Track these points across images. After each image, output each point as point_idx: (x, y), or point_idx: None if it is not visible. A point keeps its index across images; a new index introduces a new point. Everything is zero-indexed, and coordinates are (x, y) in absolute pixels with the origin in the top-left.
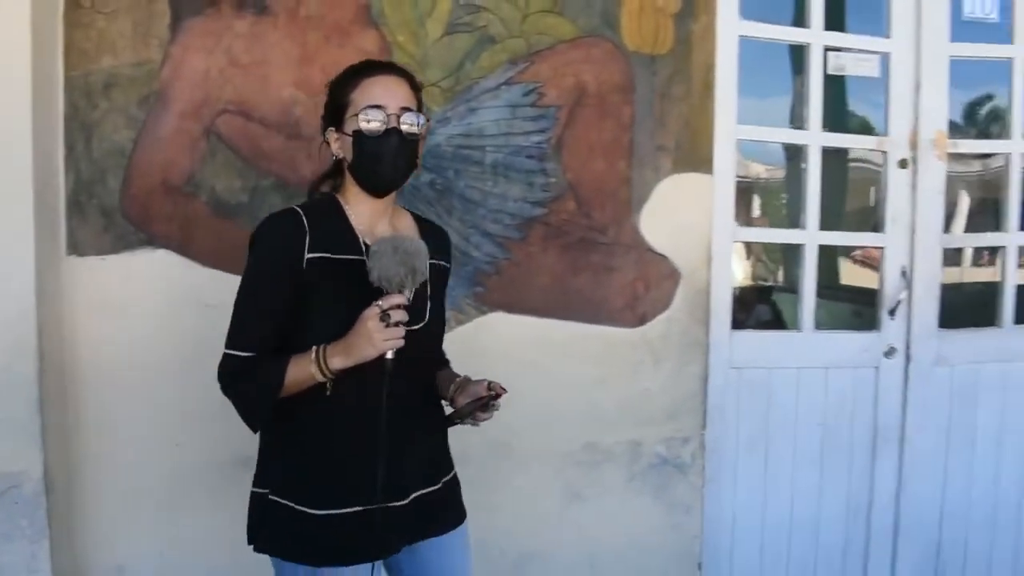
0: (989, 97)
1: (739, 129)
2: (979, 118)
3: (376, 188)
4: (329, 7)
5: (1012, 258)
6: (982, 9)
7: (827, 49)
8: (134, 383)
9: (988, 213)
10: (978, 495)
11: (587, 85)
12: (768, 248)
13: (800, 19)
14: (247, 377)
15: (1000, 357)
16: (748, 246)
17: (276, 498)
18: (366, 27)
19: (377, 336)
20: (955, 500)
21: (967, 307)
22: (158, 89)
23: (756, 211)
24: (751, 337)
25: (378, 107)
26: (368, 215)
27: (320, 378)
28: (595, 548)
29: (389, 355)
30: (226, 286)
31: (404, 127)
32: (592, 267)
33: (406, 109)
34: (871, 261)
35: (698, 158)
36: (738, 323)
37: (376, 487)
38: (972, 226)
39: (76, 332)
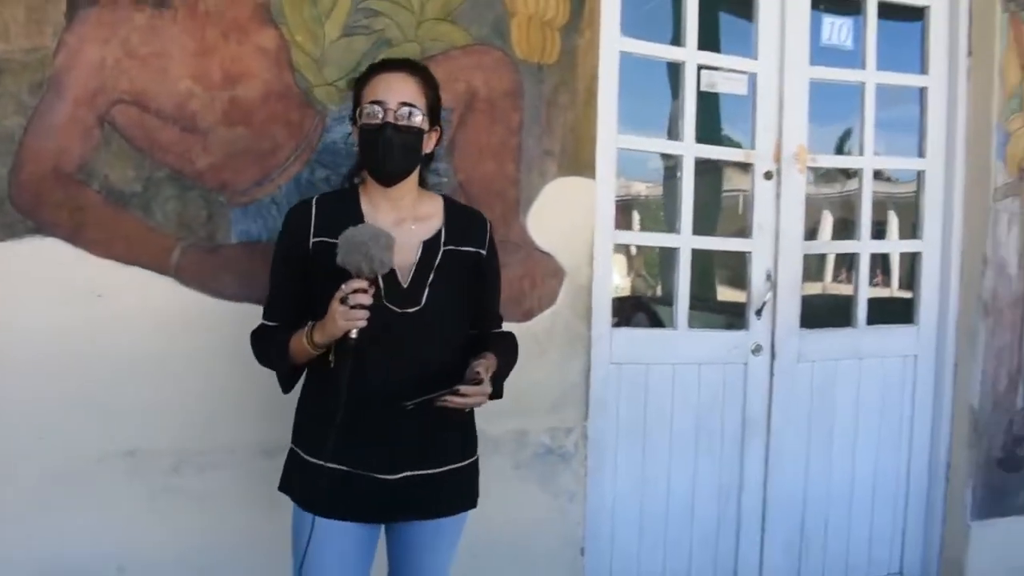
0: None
1: (619, 139)
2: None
3: (379, 177)
4: (228, 4)
5: (864, 264)
6: (838, 37)
7: (700, 67)
8: (19, 375)
9: (850, 230)
10: (836, 479)
11: (478, 90)
12: (648, 262)
13: (678, 38)
14: (266, 343)
15: (854, 354)
16: (629, 261)
17: (292, 445)
18: (265, 25)
19: (338, 315)
20: (816, 484)
21: (826, 311)
22: (51, 76)
23: (636, 224)
24: (630, 335)
25: (377, 102)
26: (384, 204)
27: (311, 350)
28: (484, 535)
29: (353, 333)
30: (117, 276)
31: (400, 121)
32: None
33: (406, 104)
34: None
35: (581, 163)
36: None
37: (328, 451)
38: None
39: None
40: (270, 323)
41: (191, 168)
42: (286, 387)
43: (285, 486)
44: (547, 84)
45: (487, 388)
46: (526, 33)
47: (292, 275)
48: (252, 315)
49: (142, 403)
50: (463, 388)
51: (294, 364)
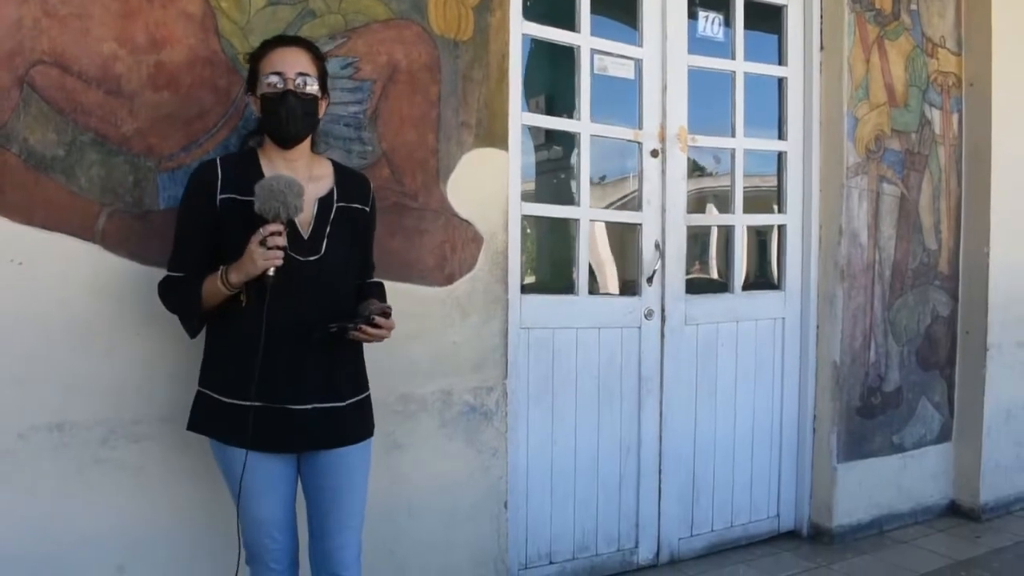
0: None
1: (523, 116)
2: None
3: (281, 141)
4: None
5: (740, 235)
6: (712, 30)
7: (594, 52)
8: None
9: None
10: (720, 432)
11: (399, 63)
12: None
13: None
14: (174, 292)
15: (732, 317)
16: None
17: (201, 388)
18: None
19: (257, 255)
20: (704, 437)
21: (708, 285)
22: None
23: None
24: (537, 300)
25: (277, 73)
26: (282, 164)
27: (225, 291)
28: (412, 493)
29: (270, 272)
30: (39, 243)
31: (299, 89)
32: (405, 230)
33: (302, 74)
34: None
35: (496, 136)
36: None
37: (252, 386)
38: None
39: None
40: (176, 273)
41: (116, 132)
42: (193, 332)
43: (198, 426)
44: (462, 59)
45: (394, 324)
46: (442, 10)
47: (199, 229)
48: None
49: (68, 374)
50: (378, 319)
51: (204, 308)
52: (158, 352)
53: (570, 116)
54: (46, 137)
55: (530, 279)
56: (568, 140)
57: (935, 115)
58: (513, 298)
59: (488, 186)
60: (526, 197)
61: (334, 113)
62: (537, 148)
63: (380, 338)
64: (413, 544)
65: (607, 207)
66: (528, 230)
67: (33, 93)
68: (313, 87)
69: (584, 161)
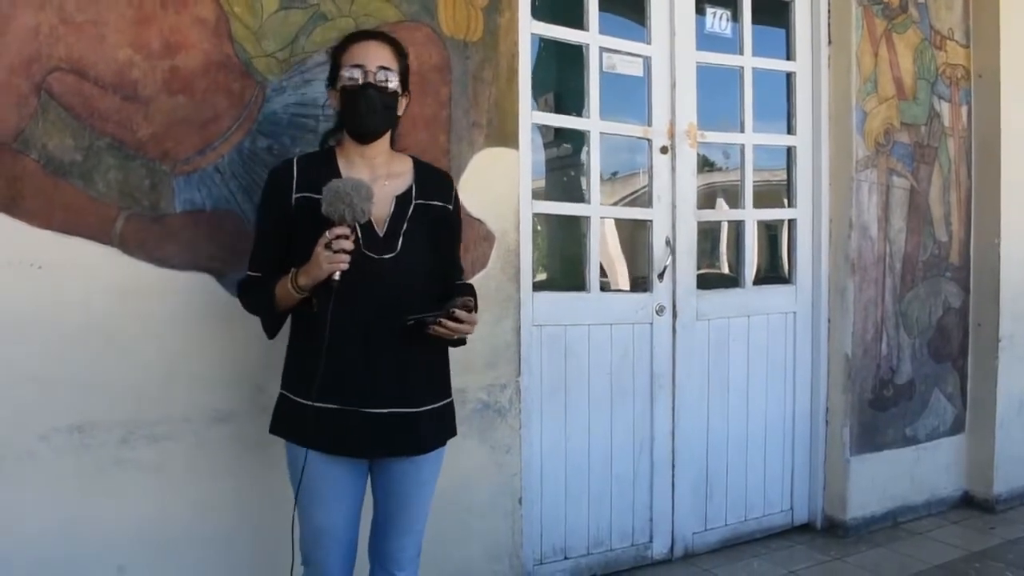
0: None
1: (533, 115)
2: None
3: (359, 136)
4: None
5: (750, 229)
6: (719, 26)
7: (603, 50)
8: None
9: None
10: (733, 426)
11: (410, 64)
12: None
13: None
14: (251, 291)
15: (743, 312)
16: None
17: (282, 390)
18: None
19: (323, 259)
20: (716, 432)
21: (719, 280)
22: None
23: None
24: (549, 297)
25: (358, 66)
26: (360, 162)
27: (295, 294)
28: None
29: (335, 276)
30: (58, 247)
31: (379, 82)
32: None
33: (384, 68)
34: None
35: (506, 135)
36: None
37: (315, 387)
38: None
39: None
40: (254, 273)
41: (132, 137)
42: (271, 333)
43: (276, 428)
44: (472, 60)
45: (476, 319)
46: (452, 12)
47: (275, 228)
48: (199, 284)
49: (88, 375)
50: (458, 312)
51: (279, 310)
52: (177, 353)
53: (580, 114)
54: (64, 143)
55: (542, 277)
56: (578, 138)
57: (944, 107)
58: (525, 296)
59: (499, 185)
60: (537, 195)
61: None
62: (547, 146)
63: (462, 333)
64: (428, 540)
65: (617, 204)
66: (539, 228)
67: (51, 99)
68: (394, 82)
69: (594, 159)
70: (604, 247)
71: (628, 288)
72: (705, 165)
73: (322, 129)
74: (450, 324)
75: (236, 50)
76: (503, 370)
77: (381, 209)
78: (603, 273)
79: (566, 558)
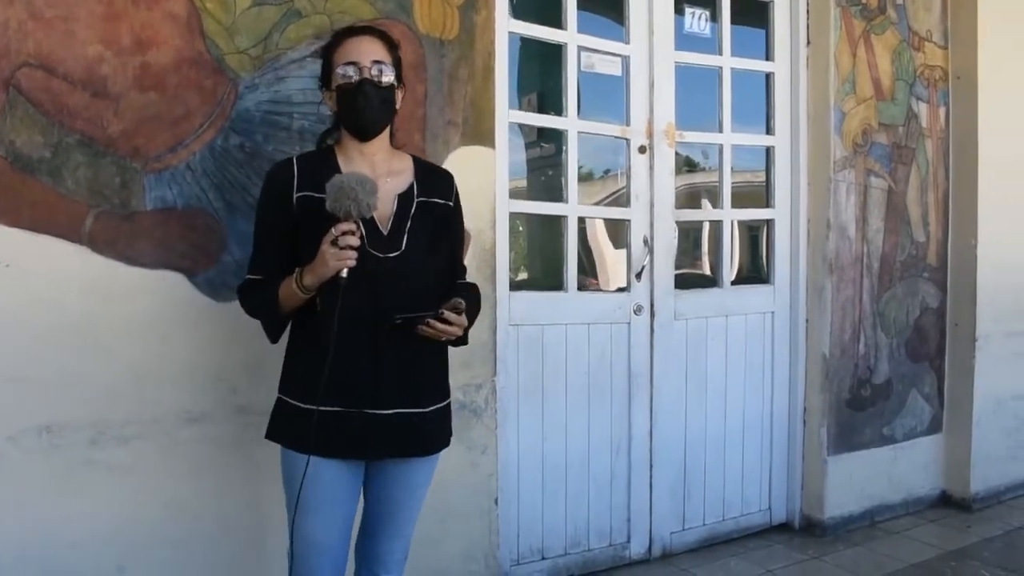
0: None
1: (511, 114)
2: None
3: (359, 132)
4: None
5: (728, 230)
6: (698, 26)
7: (581, 49)
8: None
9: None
10: (711, 426)
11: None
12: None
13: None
14: (252, 295)
15: (721, 312)
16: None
17: (280, 395)
18: None
19: (329, 256)
20: (694, 432)
21: (698, 280)
22: None
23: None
24: (526, 297)
25: (352, 63)
26: (359, 160)
27: (300, 294)
28: None
29: (343, 273)
30: (26, 245)
31: (375, 77)
32: None
33: (378, 63)
34: None
35: (482, 134)
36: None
37: (321, 388)
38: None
39: None
40: (255, 276)
41: (102, 134)
42: (274, 336)
43: (273, 434)
44: (448, 58)
45: (464, 320)
46: (428, 9)
47: (276, 229)
48: (170, 283)
49: (56, 375)
50: (447, 314)
51: (283, 312)
52: (148, 353)
53: (558, 113)
54: (32, 139)
55: (523, 276)
56: (557, 137)
57: (922, 108)
58: (501, 295)
59: (475, 184)
60: (517, 195)
61: (321, 113)
62: (527, 146)
63: (450, 335)
64: None
65: (599, 203)
66: (520, 228)
67: (19, 95)
68: (389, 76)
69: (572, 158)
70: (599, 248)
71: (615, 288)
72: (685, 165)
73: (296, 127)
74: (438, 325)
75: (208, 46)
76: (478, 370)
77: (384, 207)
78: (598, 274)
79: (543, 558)
